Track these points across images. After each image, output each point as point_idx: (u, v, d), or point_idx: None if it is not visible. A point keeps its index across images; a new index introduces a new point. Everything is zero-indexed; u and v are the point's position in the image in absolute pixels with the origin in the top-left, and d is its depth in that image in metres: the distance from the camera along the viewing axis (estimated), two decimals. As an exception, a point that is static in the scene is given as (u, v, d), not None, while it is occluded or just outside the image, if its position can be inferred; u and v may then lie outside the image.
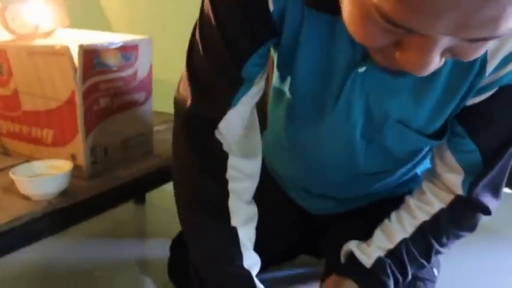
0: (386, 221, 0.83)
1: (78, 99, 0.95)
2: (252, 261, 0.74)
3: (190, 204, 0.74)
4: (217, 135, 0.73)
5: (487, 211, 0.78)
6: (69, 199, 0.89)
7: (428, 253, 0.79)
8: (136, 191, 1.02)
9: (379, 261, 0.78)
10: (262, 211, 1.04)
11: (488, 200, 0.77)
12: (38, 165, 0.95)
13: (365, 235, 0.91)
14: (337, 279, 0.80)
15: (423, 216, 0.79)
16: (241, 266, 0.72)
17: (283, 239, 1.08)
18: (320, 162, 0.86)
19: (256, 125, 0.78)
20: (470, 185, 0.76)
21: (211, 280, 0.72)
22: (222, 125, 0.72)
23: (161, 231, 1.45)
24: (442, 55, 0.48)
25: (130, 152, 1.09)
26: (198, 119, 0.72)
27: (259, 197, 1.05)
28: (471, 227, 0.81)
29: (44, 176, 0.90)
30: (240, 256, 0.72)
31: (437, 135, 0.75)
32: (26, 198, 0.88)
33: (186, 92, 0.73)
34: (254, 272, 0.74)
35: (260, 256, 1.10)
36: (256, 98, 0.75)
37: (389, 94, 0.70)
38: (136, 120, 1.10)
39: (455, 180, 0.77)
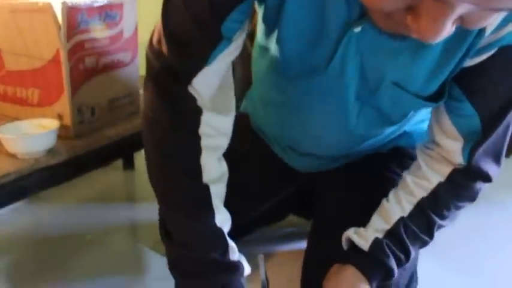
0: (383, 202, 0.81)
1: (63, 57, 0.94)
2: (223, 219, 0.72)
3: (161, 161, 0.71)
4: (191, 90, 0.69)
5: (487, 178, 0.76)
6: (56, 157, 0.89)
7: (430, 229, 0.77)
8: (123, 150, 1.02)
9: (376, 243, 0.76)
10: (247, 168, 1.03)
11: (488, 166, 0.75)
12: (24, 124, 0.94)
13: (353, 194, 0.93)
14: (339, 266, 0.78)
15: (421, 193, 0.77)
16: (213, 224, 0.70)
17: (270, 197, 1.09)
18: (309, 121, 0.85)
19: (231, 82, 0.76)
20: (471, 151, 0.73)
21: (182, 237, 0.69)
22: (197, 81, 0.69)
23: (150, 195, 1.45)
24: (453, 23, 0.46)
25: (117, 112, 1.09)
26: (171, 74, 0.69)
27: (244, 154, 1.05)
28: (472, 197, 0.78)
29: (31, 134, 0.90)
30: (211, 213, 0.70)
31: (434, 97, 0.73)
32: (12, 156, 0.88)
33: (160, 46, 0.70)
34: (226, 229, 0.72)
35: (247, 216, 1.12)
36: (233, 56, 0.71)
37: (386, 55, 0.68)
38: (122, 80, 1.09)
39: (454, 147, 0.74)
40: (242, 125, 1.11)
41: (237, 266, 0.69)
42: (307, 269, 0.91)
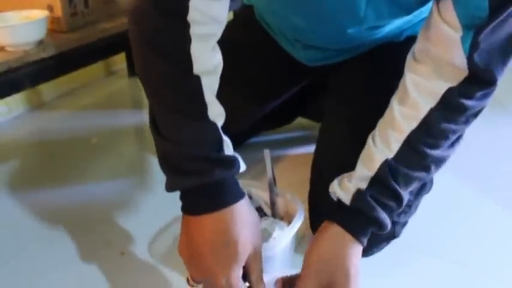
0: (368, 142, 0.70)
1: None
2: (216, 112, 0.65)
3: (149, 53, 0.63)
4: None
5: (492, 79, 0.61)
6: (47, 50, 0.83)
7: (424, 164, 0.66)
8: (120, 45, 0.95)
9: (358, 195, 0.66)
10: (252, 63, 0.98)
11: (493, 62, 0.61)
12: (11, 16, 0.87)
13: (364, 92, 0.85)
14: (324, 225, 0.68)
15: (409, 126, 0.65)
16: (205, 117, 0.63)
17: (277, 93, 1.03)
18: (317, 10, 0.78)
19: None
20: (473, 38, 0.59)
21: (173, 133, 0.62)
22: None
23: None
24: None
25: (112, 5, 1.00)
26: None
27: (249, 48, 0.99)
28: (474, 115, 0.65)
29: (18, 24, 0.82)
30: (203, 106, 0.63)
31: None
32: (1, 50, 0.82)
33: None
34: (219, 123, 0.65)
35: (254, 115, 1.06)
36: None
37: None
38: (117, -31, 1.00)
39: (453, 36, 0.60)
40: (247, 18, 1.04)
41: (231, 162, 0.63)
42: (316, 172, 0.87)
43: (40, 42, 0.83)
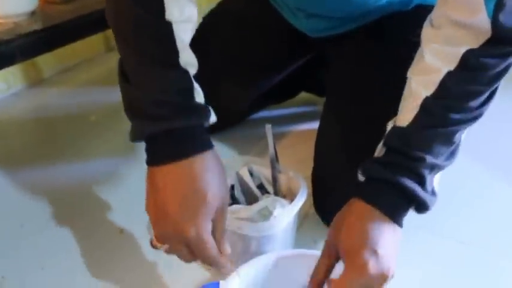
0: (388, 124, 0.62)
1: None
2: (188, 60, 0.60)
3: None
4: None
5: None
6: (39, 22, 0.79)
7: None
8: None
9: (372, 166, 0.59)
10: (255, 33, 0.96)
11: None
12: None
13: (370, 67, 0.82)
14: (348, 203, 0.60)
15: (425, 92, 0.58)
16: (176, 63, 0.59)
17: (280, 65, 1.00)
18: None
19: None
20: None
21: (141, 79, 0.58)
22: None
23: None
24: None
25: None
26: None
27: (252, 18, 0.96)
28: (496, 76, 0.57)
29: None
30: (174, 52, 0.59)
31: None
32: (-10, 21, 0.79)
33: None
34: (191, 71, 0.61)
35: (256, 87, 1.03)
36: None
37: None
38: None
39: None
40: None
41: (201, 110, 0.59)
42: (320, 150, 0.83)
43: (32, 14, 0.80)
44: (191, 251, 0.56)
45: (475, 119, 0.59)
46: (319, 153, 0.83)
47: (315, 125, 0.91)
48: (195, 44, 0.63)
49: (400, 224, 0.56)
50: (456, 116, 0.57)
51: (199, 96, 0.60)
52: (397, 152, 0.58)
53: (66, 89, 1.37)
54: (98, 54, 1.57)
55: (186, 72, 0.59)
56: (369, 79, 0.82)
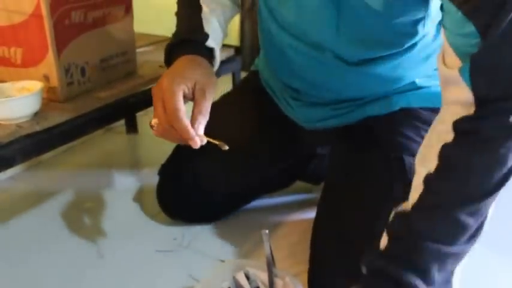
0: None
1: (44, 11, 0.84)
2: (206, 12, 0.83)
3: None
4: None
5: (502, 107, 0.53)
6: (41, 123, 0.81)
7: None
8: (118, 114, 0.93)
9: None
10: (253, 125, 1.00)
11: (497, 91, 0.53)
12: (6, 87, 0.86)
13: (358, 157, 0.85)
14: None
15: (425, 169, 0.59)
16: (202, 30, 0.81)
17: (275, 157, 1.03)
18: (301, 44, 0.81)
19: None
20: (470, 66, 0.54)
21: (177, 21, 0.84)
22: None
23: (154, 160, 1.39)
24: None
25: (111, 72, 1.00)
26: None
27: (251, 111, 1.02)
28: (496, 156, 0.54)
29: (10, 98, 0.81)
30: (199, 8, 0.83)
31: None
32: (-7, 123, 0.80)
33: None
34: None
35: (253, 178, 1.05)
36: None
37: None
38: (116, 36, 0.99)
39: (451, 73, 0.56)
40: (251, 84, 1.05)
41: (201, 34, 0.80)
42: (315, 253, 0.84)
43: (36, 115, 0.82)
44: (164, 109, 0.68)
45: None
46: (315, 257, 0.83)
47: (310, 214, 0.91)
48: None
49: None
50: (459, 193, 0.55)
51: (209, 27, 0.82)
52: (399, 239, 0.57)
53: (62, 172, 1.38)
54: (95, 135, 1.58)
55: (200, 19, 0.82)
56: (360, 177, 0.84)
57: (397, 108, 0.87)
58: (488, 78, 0.54)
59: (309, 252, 0.83)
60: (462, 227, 0.55)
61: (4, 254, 1.01)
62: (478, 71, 0.54)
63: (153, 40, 1.35)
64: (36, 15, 0.84)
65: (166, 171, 1.07)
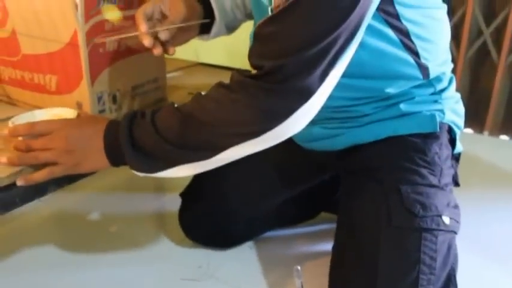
0: None
1: (80, 40, 0.85)
2: None
3: None
4: None
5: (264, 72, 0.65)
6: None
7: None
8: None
9: None
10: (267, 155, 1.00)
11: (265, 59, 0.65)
12: (40, 114, 0.87)
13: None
14: None
15: None
16: None
17: (292, 178, 1.06)
18: None
19: None
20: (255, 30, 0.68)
21: None
22: None
23: (178, 183, 1.39)
24: None
25: (141, 99, 1.00)
26: None
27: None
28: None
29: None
30: None
31: None
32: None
33: None
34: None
35: (273, 200, 1.06)
36: None
37: None
38: (147, 63, 1.00)
39: None
40: None
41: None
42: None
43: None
44: None
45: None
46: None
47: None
48: None
49: None
50: None
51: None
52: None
53: (88, 195, 1.39)
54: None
55: None
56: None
57: (383, 136, 0.86)
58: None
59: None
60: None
61: (29, 276, 1.01)
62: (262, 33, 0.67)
63: (181, 65, 1.36)
64: (72, 44, 0.86)
65: (188, 193, 1.08)
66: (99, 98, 0.91)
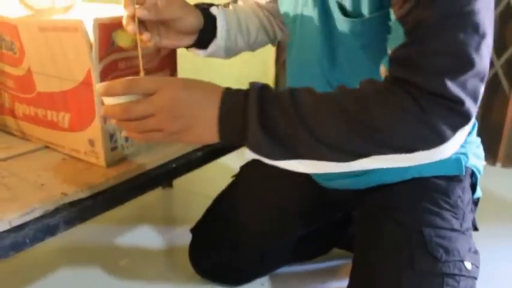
0: None
1: (94, 79, 0.86)
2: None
3: None
4: None
5: (414, 85, 0.59)
6: (85, 190, 0.82)
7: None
8: (160, 179, 0.93)
9: None
10: (278, 190, 1.01)
11: (412, 74, 0.60)
12: (53, 152, 0.87)
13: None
14: None
15: None
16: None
17: (307, 215, 1.05)
18: None
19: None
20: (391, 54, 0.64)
21: None
22: None
23: (189, 216, 1.39)
24: None
25: (153, 136, 1.01)
26: None
27: (278, 178, 1.00)
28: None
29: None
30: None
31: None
32: (40, 188, 0.81)
33: None
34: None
35: (286, 236, 1.05)
36: None
37: None
38: (159, 101, 1.01)
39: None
40: None
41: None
42: None
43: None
44: None
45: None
46: None
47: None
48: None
49: None
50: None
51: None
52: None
53: (99, 226, 1.38)
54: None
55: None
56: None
57: (409, 177, 0.85)
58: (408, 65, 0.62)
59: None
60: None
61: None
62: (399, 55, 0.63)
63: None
64: (86, 82, 0.87)
65: (199, 229, 1.07)
66: (111, 136, 0.92)
